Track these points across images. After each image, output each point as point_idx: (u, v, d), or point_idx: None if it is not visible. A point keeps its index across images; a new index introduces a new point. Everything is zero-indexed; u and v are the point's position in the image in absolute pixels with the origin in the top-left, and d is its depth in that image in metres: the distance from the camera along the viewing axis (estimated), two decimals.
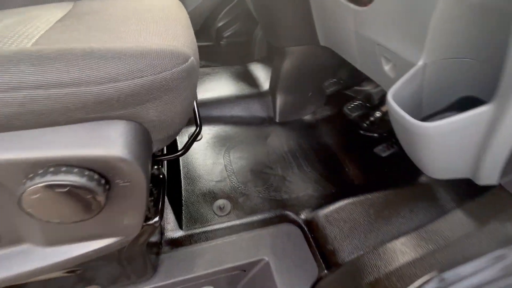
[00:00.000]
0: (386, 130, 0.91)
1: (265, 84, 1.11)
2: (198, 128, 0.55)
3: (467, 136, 0.37)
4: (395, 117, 0.42)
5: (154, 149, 0.36)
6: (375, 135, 0.92)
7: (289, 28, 0.84)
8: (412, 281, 0.44)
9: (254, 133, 0.98)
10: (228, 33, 1.63)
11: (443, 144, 0.39)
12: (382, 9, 0.48)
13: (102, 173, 0.28)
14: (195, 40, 0.45)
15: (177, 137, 0.92)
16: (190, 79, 0.34)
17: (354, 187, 0.76)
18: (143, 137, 0.32)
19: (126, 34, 0.37)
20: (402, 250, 0.50)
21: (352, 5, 0.55)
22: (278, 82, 1.00)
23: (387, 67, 0.53)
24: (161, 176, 0.50)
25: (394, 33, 0.47)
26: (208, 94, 1.06)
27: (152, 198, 0.44)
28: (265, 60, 1.29)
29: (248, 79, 1.17)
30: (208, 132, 0.97)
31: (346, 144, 0.92)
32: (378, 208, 0.60)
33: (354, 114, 0.81)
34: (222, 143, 0.93)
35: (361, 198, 0.64)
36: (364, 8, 0.52)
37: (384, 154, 0.78)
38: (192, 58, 0.35)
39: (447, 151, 0.40)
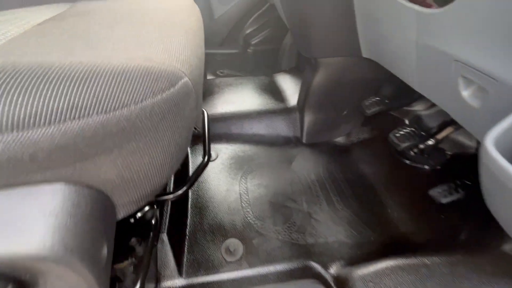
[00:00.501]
0: (441, 163, 0.73)
1: (292, 99, 0.98)
2: (206, 159, 0.44)
3: None
4: (494, 171, 0.27)
5: (121, 216, 0.24)
6: (426, 167, 0.74)
7: (326, 37, 0.71)
8: None
9: (277, 155, 0.85)
10: (256, 41, 1.54)
11: None
12: (468, 11, 0.33)
13: (16, 278, 0.17)
14: (201, 51, 0.33)
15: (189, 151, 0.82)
16: (179, 110, 0.23)
17: (399, 237, 0.60)
18: (95, 208, 0.20)
19: (101, 42, 0.26)
20: None
21: (417, 7, 0.41)
22: (308, 97, 0.86)
23: (467, 92, 0.38)
24: (153, 222, 0.39)
25: (488, 44, 0.32)
26: (228, 107, 0.95)
27: (133, 259, 0.32)
28: (294, 71, 1.17)
29: (274, 91, 1.05)
30: (224, 151, 0.86)
31: (389, 176, 0.75)
32: (440, 281, 0.43)
33: (404, 145, 0.65)
34: (240, 165, 0.80)
35: (414, 261, 0.48)
36: (436, 11, 0.37)
37: (444, 201, 0.60)
38: (185, 79, 0.23)
39: None
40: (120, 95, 0.19)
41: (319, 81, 0.82)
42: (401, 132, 0.67)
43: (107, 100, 0.18)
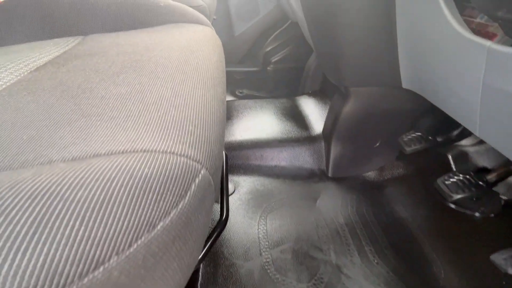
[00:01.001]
0: (495, 210, 0.62)
1: (316, 126, 0.90)
2: (224, 218, 0.37)
3: None
4: None
5: None
6: (477, 214, 0.63)
7: (360, 66, 0.63)
8: None
9: (300, 190, 0.77)
10: (277, 58, 1.49)
11: None
12: None
13: None
14: (222, 114, 0.26)
15: None
16: (191, 223, 0.16)
17: None
18: None
19: (94, 121, 0.20)
20: None
21: (489, 44, 0.33)
22: (336, 126, 0.78)
23: None
24: None
25: None
26: (247, 134, 0.89)
27: None
28: (318, 94, 1.09)
29: (297, 117, 0.97)
30: (243, 183, 0.79)
31: (431, 223, 0.65)
32: None
33: (457, 197, 0.55)
34: (259, 202, 0.73)
35: None
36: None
37: (511, 270, 0.50)
38: (202, 172, 0.16)
39: None
40: (123, 231, 0.12)
41: (349, 110, 0.73)
42: (452, 180, 0.57)
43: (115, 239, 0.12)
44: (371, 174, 0.80)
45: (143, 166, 0.15)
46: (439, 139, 0.68)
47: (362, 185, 0.78)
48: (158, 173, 0.15)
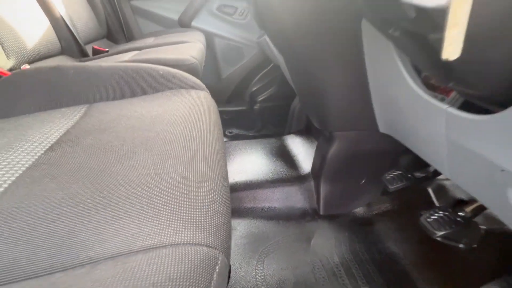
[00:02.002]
0: (477, 240, 0.66)
1: (305, 165, 0.95)
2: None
3: None
4: None
5: None
6: (461, 246, 0.67)
7: (339, 112, 0.70)
8: None
9: (294, 231, 0.79)
10: (262, 97, 1.56)
11: None
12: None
13: None
14: (227, 187, 0.30)
15: None
16: None
17: None
18: None
19: (107, 213, 0.23)
20: None
21: (449, 110, 0.39)
22: (324, 166, 0.83)
23: None
24: None
25: None
26: (239, 177, 0.92)
27: None
28: (304, 133, 1.16)
29: (286, 157, 1.02)
30: (238, 227, 0.80)
31: (421, 257, 0.68)
32: None
33: (441, 233, 0.60)
34: (255, 246, 0.74)
35: None
36: (477, 117, 0.35)
37: None
38: (221, 258, 0.19)
39: None
40: None
41: (335, 152, 0.79)
42: (434, 217, 0.62)
43: None
44: (360, 210, 0.84)
45: (172, 261, 0.18)
46: (418, 176, 0.74)
47: (352, 221, 0.81)
48: (185, 269, 0.18)
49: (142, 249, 0.19)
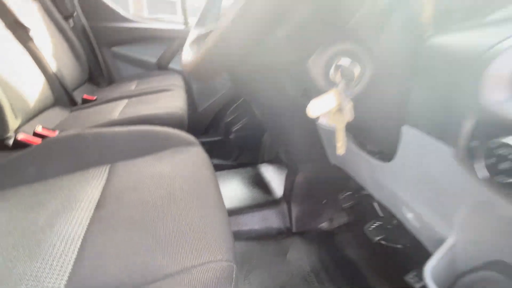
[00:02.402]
0: (407, 241, 0.88)
1: (278, 190, 1.13)
2: None
3: None
4: None
5: None
6: (399, 246, 0.88)
7: (299, 149, 0.90)
8: None
9: (274, 248, 0.95)
10: (237, 127, 1.72)
11: None
12: (402, 170, 0.51)
13: None
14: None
15: None
16: None
17: None
18: None
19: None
20: None
21: (371, 159, 0.59)
22: (293, 191, 1.02)
23: (410, 215, 0.54)
24: None
25: (418, 198, 0.49)
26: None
27: None
28: (276, 161, 1.35)
29: (261, 184, 1.20)
30: None
31: (374, 259, 0.88)
32: None
33: (378, 238, 0.80)
34: (240, 266, 0.89)
35: None
36: (381, 163, 0.56)
37: (418, 286, 0.73)
38: (235, 269, 0.36)
39: None
40: None
41: (300, 180, 0.98)
42: (374, 226, 0.83)
43: None
44: (324, 225, 1.03)
45: (206, 275, 0.33)
46: (364, 194, 0.95)
47: (319, 235, 1.00)
48: (216, 279, 0.33)
49: (192, 266, 0.34)
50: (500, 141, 0.28)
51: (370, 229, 0.81)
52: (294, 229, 1.02)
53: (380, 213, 1.01)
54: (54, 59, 1.14)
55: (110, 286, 0.34)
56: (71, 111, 1.13)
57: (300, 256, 0.92)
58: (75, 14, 1.45)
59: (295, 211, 1.02)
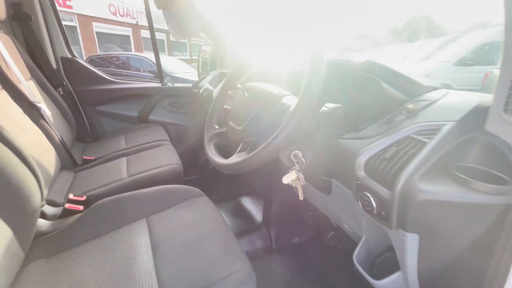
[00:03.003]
0: (342, 243, 1.24)
1: (258, 217, 1.43)
2: None
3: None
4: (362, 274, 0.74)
5: None
6: (348, 247, 1.24)
7: (265, 182, 1.22)
8: None
9: (260, 263, 1.23)
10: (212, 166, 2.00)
11: None
12: (336, 200, 0.85)
13: None
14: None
15: None
16: None
17: None
18: None
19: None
20: None
21: (320, 193, 0.93)
22: (270, 218, 1.33)
23: (346, 226, 0.88)
24: None
25: (346, 215, 0.83)
26: None
27: None
28: (255, 194, 1.65)
29: (244, 214, 1.49)
30: None
31: (330, 259, 1.21)
32: None
33: (332, 243, 1.14)
34: None
35: None
36: (325, 195, 0.90)
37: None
38: (253, 276, 0.65)
39: None
40: None
41: (275, 208, 1.30)
42: (330, 235, 1.17)
43: None
44: (296, 240, 1.35)
45: (236, 282, 0.61)
46: (321, 213, 1.31)
47: (293, 248, 1.31)
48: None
49: (224, 277, 0.63)
50: (363, 193, 0.63)
51: (328, 237, 1.15)
52: (274, 247, 1.31)
53: (334, 225, 1.37)
54: (55, 126, 1.32)
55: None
56: (75, 172, 1.31)
57: (280, 267, 1.21)
58: (64, 83, 1.64)
59: (273, 232, 1.33)
